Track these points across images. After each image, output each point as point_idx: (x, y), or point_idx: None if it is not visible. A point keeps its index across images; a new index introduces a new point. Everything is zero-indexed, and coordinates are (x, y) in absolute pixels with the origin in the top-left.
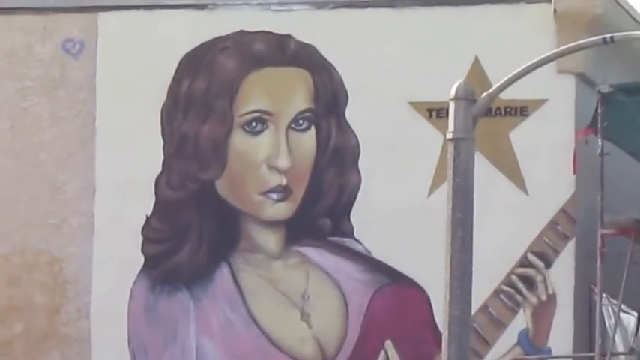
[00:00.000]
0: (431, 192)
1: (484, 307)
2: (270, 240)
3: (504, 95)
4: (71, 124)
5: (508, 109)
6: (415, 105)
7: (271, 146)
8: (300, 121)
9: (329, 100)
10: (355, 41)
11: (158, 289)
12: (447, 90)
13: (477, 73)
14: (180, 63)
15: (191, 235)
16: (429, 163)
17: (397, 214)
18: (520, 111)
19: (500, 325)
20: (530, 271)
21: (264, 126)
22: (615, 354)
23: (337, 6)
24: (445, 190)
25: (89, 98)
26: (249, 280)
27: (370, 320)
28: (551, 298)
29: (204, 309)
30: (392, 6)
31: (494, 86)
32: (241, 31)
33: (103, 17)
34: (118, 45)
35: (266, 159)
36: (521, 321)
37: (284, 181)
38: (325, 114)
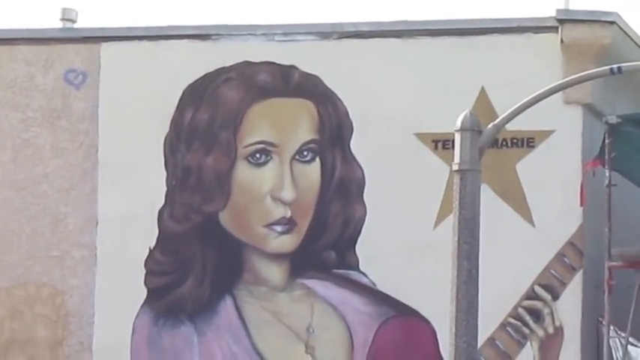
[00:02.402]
0: (437, 224)
1: (491, 340)
2: (275, 272)
3: (511, 126)
4: (73, 156)
5: (515, 141)
6: (421, 136)
7: (276, 178)
8: (305, 153)
9: (334, 132)
10: (360, 72)
11: (161, 322)
12: (453, 121)
13: (483, 104)
14: (184, 94)
15: (194, 267)
16: (435, 195)
17: (403, 246)
18: (527, 142)
19: (507, 358)
20: (537, 303)
21: (269, 157)
22: None
23: (342, 36)
24: (451, 221)
25: (91, 129)
26: (253, 313)
27: (375, 353)
28: (559, 331)
29: (208, 342)
30: (398, 36)
31: (501, 117)
32: (245, 62)
33: (106, 48)
34: (121, 76)
35: (270, 191)
36: (529, 354)
37: (288, 213)
38: (330, 145)
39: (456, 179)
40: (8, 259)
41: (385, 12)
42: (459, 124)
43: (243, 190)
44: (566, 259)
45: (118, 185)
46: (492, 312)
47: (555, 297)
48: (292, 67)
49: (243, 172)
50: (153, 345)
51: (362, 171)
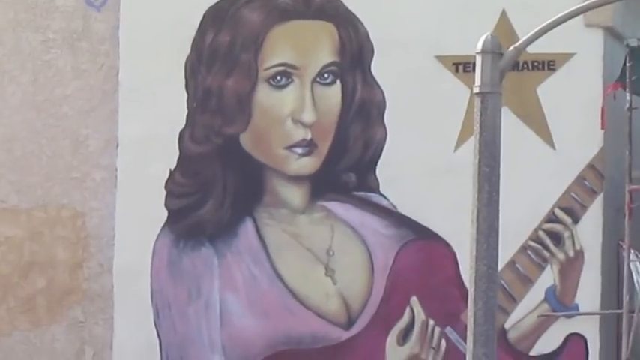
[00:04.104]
0: (457, 146)
1: (511, 263)
2: (295, 195)
3: (532, 49)
4: (94, 77)
5: (535, 63)
6: (441, 59)
7: (296, 100)
8: (326, 75)
9: (355, 54)
10: None
11: (182, 244)
12: (474, 44)
13: (504, 26)
14: (205, 16)
15: (215, 189)
16: (456, 118)
17: (423, 168)
18: (547, 65)
19: (527, 282)
20: (557, 226)
21: (289, 80)
22: None
23: None
24: (472, 144)
25: (112, 51)
26: (273, 235)
27: (395, 276)
28: (579, 255)
29: (228, 264)
30: None
31: (522, 40)
32: None
33: None
34: None
35: (291, 113)
36: (549, 277)
37: (309, 136)
38: (351, 68)
39: (477, 102)
40: (28, 180)
41: None
42: (479, 46)
43: (264, 113)
44: (586, 182)
45: (139, 107)
46: (513, 235)
47: (576, 220)
48: None
49: (263, 94)
50: (173, 267)
51: (382, 93)
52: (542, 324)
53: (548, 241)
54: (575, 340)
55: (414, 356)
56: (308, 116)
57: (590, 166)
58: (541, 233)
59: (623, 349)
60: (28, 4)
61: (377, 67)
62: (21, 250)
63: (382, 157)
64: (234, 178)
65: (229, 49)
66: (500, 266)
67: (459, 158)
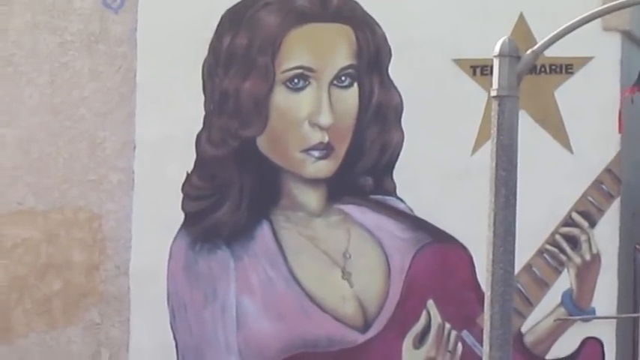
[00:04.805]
0: (475, 150)
1: (527, 267)
2: (312, 198)
3: (549, 53)
4: (111, 80)
5: (553, 67)
6: (459, 62)
7: (313, 103)
8: (343, 78)
9: (372, 57)
10: None
11: (198, 247)
12: (492, 47)
13: (521, 30)
14: (222, 18)
15: (232, 192)
16: (473, 121)
17: (440, 172)
18: (565, 69)
19: (544, 285)
20: (574, 230)
21: (307, 82)
22: None
23: None
24: (489, 148)
25: (129, 53)
26: (290, 238)
27: (412, 279)
28: (596, 258)
29: (244, 267)
30: None
31: (539, 43)
32: None
33: None
34: None
35: (308, 116)
36: (565, 281)
37: (326, 139)
38: (368, 71)
39: (494, 105)
40: (45, 182)
41: None
42: (497, 49)
43: (281, 115)
44: (603, 186)
45: (156, 109)
46: (529, 239)
47: (592, 224)
48: None
49: (281, 97)
50: (189, 270)
51: (400, 96)
52: (559, 328)
53: (564, 245)
54: (592, 344)
55: None
56: (325, 119)
57: (608, 170)
58: (558, 237)
59: None
60: (45, 6)
61: (394, 70)
62: (37, 252)
63: (399, 160)
64: (250, 181)
65: (246, 51)
66: (516, 270)
67: (476, 161)
